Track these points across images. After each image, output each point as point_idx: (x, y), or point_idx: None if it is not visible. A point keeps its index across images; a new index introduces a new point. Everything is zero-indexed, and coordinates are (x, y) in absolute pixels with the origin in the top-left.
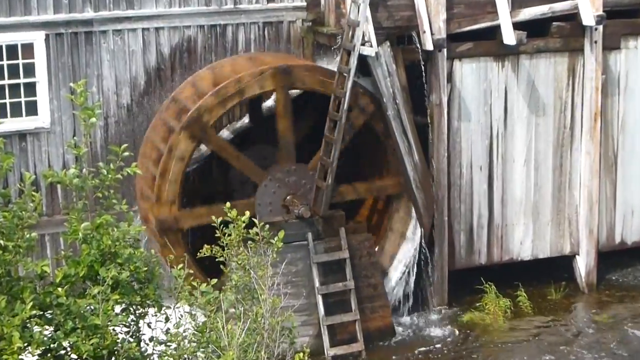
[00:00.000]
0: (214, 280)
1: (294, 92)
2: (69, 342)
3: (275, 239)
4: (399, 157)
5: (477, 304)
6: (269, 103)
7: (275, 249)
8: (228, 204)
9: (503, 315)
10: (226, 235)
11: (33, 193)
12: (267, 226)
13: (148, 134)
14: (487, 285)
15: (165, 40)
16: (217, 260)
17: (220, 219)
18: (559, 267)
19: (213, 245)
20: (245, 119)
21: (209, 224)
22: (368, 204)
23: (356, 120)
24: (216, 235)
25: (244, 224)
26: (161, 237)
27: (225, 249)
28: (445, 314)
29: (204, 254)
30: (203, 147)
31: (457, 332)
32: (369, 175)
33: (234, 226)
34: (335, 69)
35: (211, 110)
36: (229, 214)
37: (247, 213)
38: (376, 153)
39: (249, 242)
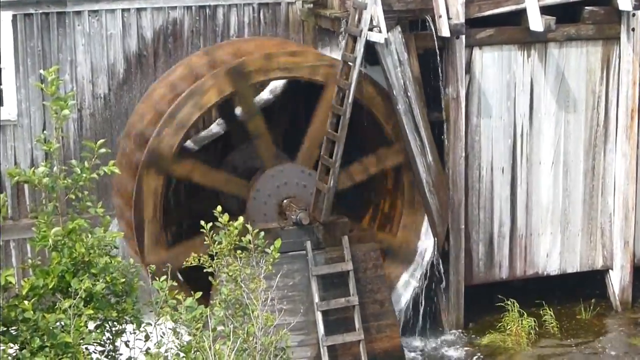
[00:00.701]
0: (199, 294)
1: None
2: None
3: (271, 248)
4: (409, 158)
5: (498, 324)
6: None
7: (271, 260)
8: (219, 208)
9: (527, 336)
10: (216, 243)
11: None
12: (262, 233)
13: (122, 143)
14: (510, 303)
15: (148, 22)
16: (204, 271)
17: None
18: (589, 283)
19: (201, 255)
20: (220, 121)
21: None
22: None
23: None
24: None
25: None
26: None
27: (215, 258)
28: (461, 335)
29: (191, 263)
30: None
31: (474, 355)
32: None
33: (225, 233)
34: (339, 57)
35: (171, 137)
36: (219, 220)
37: (241, 219)
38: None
39: (239, 251)
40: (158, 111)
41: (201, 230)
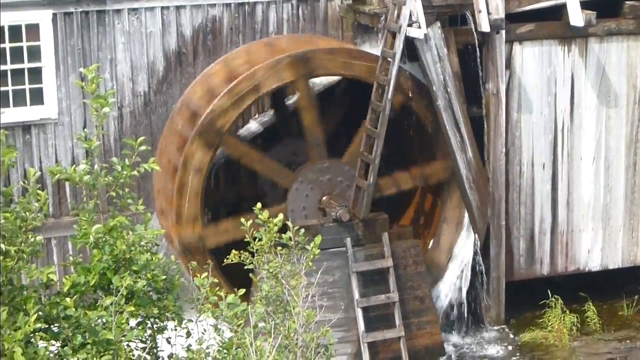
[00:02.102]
0: (242, 291)
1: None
2: (77, 359)
3: (312, 244)
4: (450, 153)
5: (539, 321)
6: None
7: (311, 256)
8: (259, 205)
9: (569, 333)
10: (256, 240)
11: (38, 191)
12: (302, 230)
13: (162, 144)
14: (553, 299)
15: (187, 20)
16: (245, 268)
17: (250, 222)
18: (632, 279)
19: (242, 252)
20: (259, 118)
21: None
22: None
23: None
24: (245, 239)
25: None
26: (186, 260)
27: (255, 255)
28: (502, 331)
29: (231, 260)
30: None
31: (515, 352)
32: (410, 163)
33: (265, 230)
34: (378, 53)
35: (225, 113)
36: (259, 216)
37: (280, 215)
38: (418, 138)
39: (280, 247)
40: (211, 90)
41: (235, 215)
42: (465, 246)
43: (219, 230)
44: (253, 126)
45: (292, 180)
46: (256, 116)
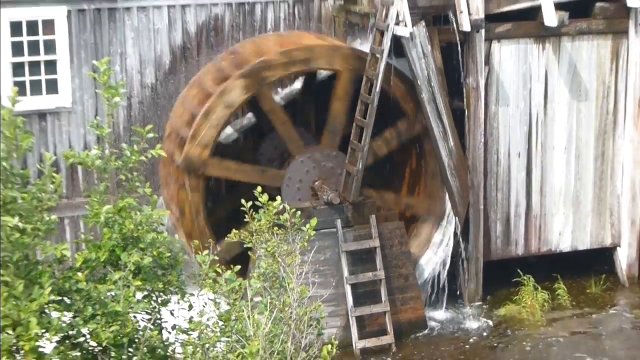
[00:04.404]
0: (237, 267)
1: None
2: (88, 329)
3: (307, 226)
4: (432, 143)
5: (514, 297)
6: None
7: (307, 237)
8: (259, 188)
9: (541, 308)
10: (255, 220)
11: (53, 174)
12: (298, 212)
13: (197, 78)
14: (525, 278)
15: (192, 18)
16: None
17: (250, 204)
18: (599, 260)
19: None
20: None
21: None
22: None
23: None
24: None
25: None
26: (182, 176)
27: (254, 235)
28: (481, 308)
29: (232, 239)
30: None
31: (492, 326)
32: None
33: (264, 211)
34: (367, 50)
35: (275, 68)
36: (259, 199)
37: (278, 199)
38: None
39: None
40: (261, 49)
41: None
42: (446, 229)
43: (222, 165)
44: (229, 131)
45: (302, 151)
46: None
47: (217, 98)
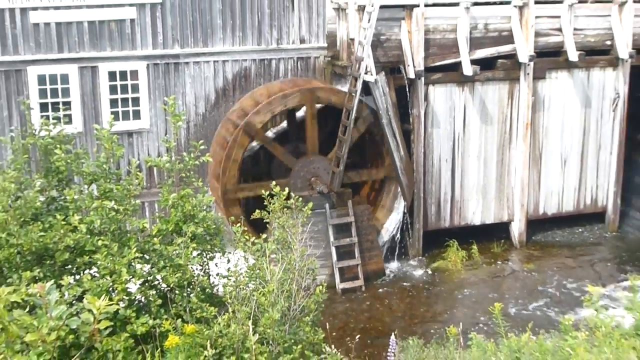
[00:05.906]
0: (264, 236)
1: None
2: (160, 276)
3: (306, 208)
4: (389, 152)
5: (443, 255)
6: (299, 114)
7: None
8: (274, 183)
9: (461, 262)
10: (271, 204)
11: (137, 173)
12: (300, 199)
13: (219, 130)
14: (451, 242)
15: (229, 69)
16: (264, 221)
17: (268, 193)
18: (500, 230)
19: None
20: (284, 124)
21: (259, 196)
22: (367, 186)
23: (361, 127)
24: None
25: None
26: (224, 200)
27: (270, 213)
28: (421, 261)
29: (256, 216)
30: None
31: (429, 273)
32: (370, 164)
33: (277, 198)
34: (346, 90)
35: (262, 116)
36: (273, 190)
37: (287, 189)
38: (374, 149)
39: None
40: (256, 101)
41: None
42: (398, 210)
43: (247, 187)
44: (269, 133)
45: (294, 163)
46: (272, 128)
47: (232, 143)
